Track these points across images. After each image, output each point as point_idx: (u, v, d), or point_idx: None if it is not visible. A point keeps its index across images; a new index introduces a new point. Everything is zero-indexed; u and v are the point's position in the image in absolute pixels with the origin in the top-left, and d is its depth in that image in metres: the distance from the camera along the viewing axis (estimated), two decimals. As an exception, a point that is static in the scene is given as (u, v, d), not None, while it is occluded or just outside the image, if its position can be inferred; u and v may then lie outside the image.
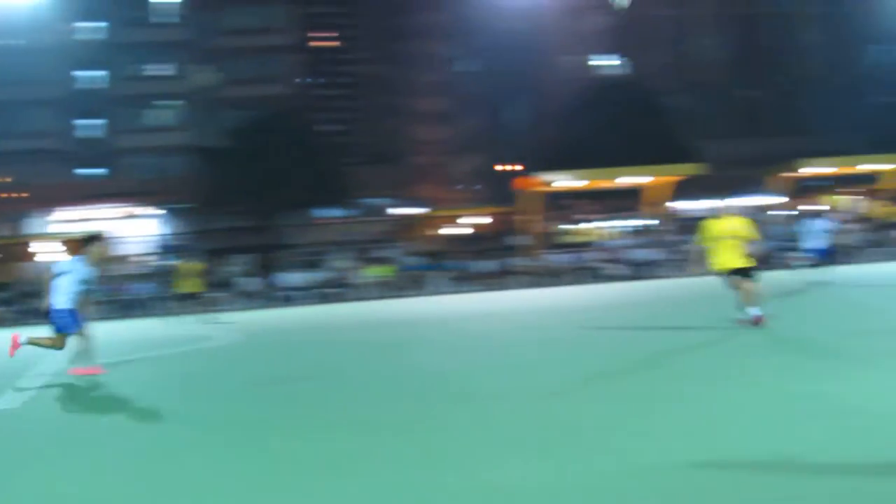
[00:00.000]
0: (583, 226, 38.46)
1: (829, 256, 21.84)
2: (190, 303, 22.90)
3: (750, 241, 11.77)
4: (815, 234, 21.77)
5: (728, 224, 11.78)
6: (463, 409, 6.72)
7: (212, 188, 42.92)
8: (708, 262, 11.90)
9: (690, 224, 21.28)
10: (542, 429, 5.77)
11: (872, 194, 37.66)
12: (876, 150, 39.26)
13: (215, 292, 30.00)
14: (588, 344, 11.18)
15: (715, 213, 12.08)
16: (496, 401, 7.00)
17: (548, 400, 6.88)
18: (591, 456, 4.95)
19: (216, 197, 42.91)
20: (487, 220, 47.60)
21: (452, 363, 9.93)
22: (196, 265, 23.11)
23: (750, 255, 11.72)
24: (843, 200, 37.09)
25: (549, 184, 35.84)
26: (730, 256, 11.65)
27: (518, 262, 34.75)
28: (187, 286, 22.48)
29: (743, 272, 11.57)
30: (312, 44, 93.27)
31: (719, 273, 11.85)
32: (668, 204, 37.63)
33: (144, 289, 33.18)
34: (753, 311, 11.28)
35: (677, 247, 31.07)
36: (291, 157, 41.33)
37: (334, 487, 4.67)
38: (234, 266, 35.53)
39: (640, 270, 32.94)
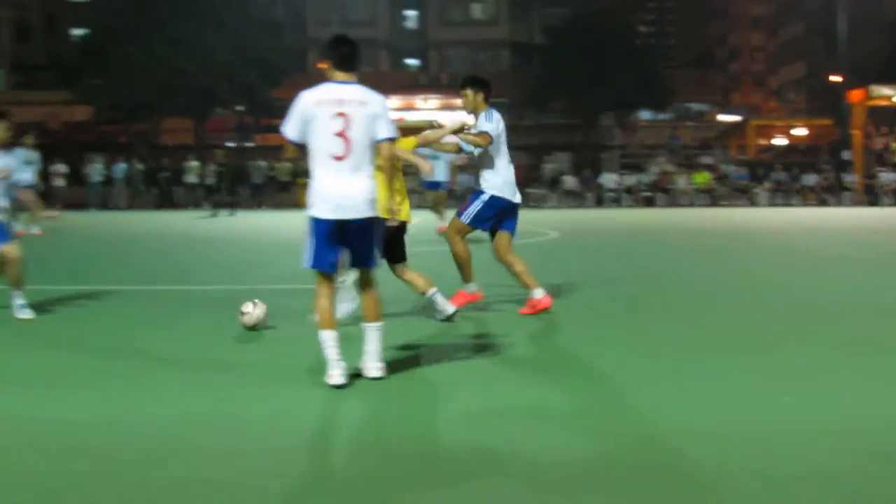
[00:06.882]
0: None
1: None
2: None
3: None
4: None
5: None
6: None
7: (530, 84, 42.66)
8: None
9: None
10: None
11: None
12: None
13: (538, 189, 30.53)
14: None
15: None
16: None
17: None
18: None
19: (535, 93, 42.63)
20: (806, 132, 44.43)
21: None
22: None
23: None
24: None
25: (890, 98, 32.08)
26: None
27: (846, 178, 31.79)
28: None
29: None
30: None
31: None
32: None
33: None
34: None
35: None
36: (611, 56, 39.60)
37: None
38: (554, 164, 34.83)
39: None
